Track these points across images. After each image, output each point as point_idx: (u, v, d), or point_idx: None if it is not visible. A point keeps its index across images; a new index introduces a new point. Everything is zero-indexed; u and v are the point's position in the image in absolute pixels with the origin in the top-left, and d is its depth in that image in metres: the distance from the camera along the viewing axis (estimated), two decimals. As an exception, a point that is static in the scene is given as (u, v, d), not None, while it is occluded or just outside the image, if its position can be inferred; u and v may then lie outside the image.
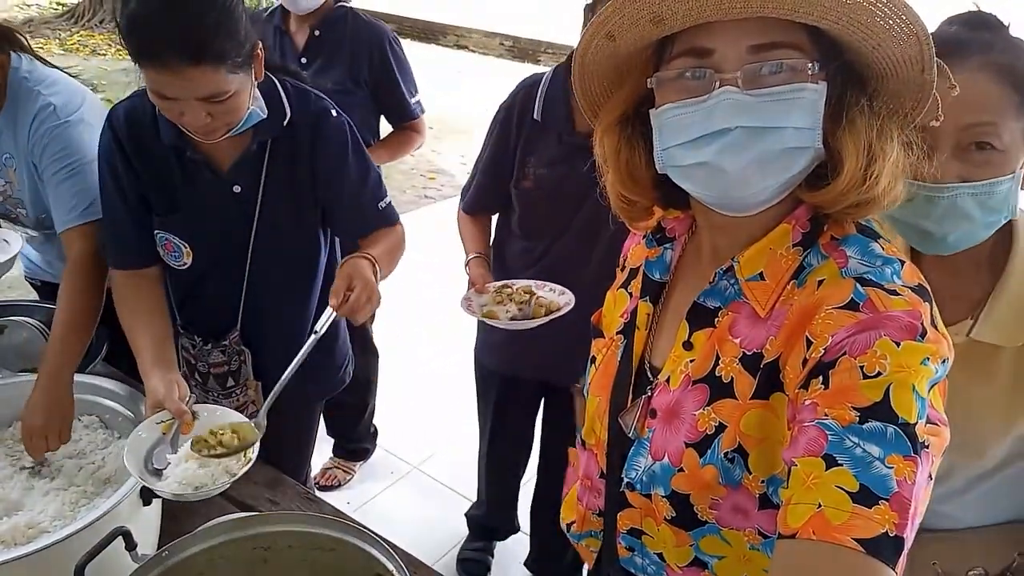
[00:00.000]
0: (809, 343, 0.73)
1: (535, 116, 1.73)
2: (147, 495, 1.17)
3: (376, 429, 2.81)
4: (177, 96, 1.22)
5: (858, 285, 0.73)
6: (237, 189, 1.43)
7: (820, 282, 0.76)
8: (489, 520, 2.37)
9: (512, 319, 1.68)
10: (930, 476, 0.67)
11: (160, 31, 1.17)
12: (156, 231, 1.47)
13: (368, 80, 2.35)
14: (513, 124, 1.78)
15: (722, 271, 0.83)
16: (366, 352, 2.59)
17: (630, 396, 0.91)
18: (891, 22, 0.68)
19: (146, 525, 1.21)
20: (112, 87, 6.61)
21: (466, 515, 2.41)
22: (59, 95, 1.51)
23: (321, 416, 1.94)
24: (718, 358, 0.82)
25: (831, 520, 0.62)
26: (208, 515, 1.20)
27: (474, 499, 2.40)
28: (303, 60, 2.34)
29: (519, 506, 2.35)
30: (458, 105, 6.76)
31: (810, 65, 0.71)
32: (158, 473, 1.18)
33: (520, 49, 9.63)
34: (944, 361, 0.71)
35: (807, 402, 0.70)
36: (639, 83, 0.80)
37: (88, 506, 1.26)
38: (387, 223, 1.53)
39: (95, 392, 1.43)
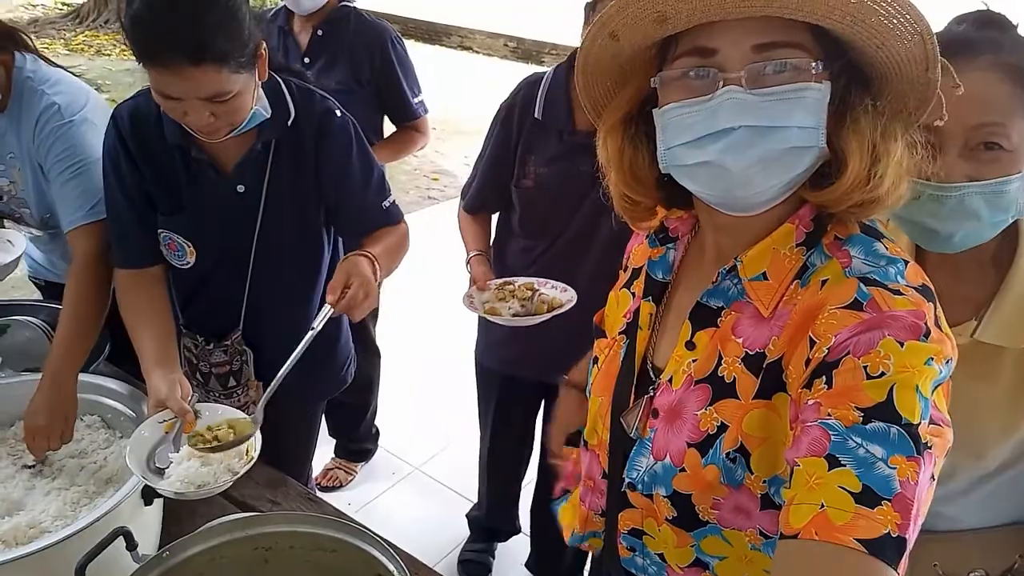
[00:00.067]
0: (812, 343, 0.72)
1: (536, 115, 1.74)
2: (148, 495, 1.17)
3: (378, 430, 2.81)
4: (180, 96, 1.22)
5: (862, 285, 0.72)
6: (241, 189, 1.44)
7: (823, 282, 0.76)
8: (490, 521, 2.37)
9: (515, 316, 1.68)
10: (933, 477, 0.67)
11: (163, 31, 1.17)
12: (160, 230, 1.47)
13: (370, 79, 2.35)
14: (514, 123, 1.78)
15: (725, 271, 0.83)
16: (368, 352, 2.59)
17: (632, 396, 0.91)
18: (895, 21, 0.68)
19: (147, 525, 1.21)
20: (117, 87, 6.63)
21: (467, 516, 2.41)
22: (63, 94, 1.52)
23: (323, 416, 1.94)
24: (721, 358, 0.82)
25: (833, 520, 0.62)
26: (209, 515, 1.20)
27: (475, 500, 2.40)
28: (306, 60, 2.35)
29: (520, 507, 2.35)
30: (462, 106, 6.76)
31: (814, 64, 0.71)
32: (160, 472, 1.18)
33: (524, 50, 9.64)
34: (948, 361, 0.71)
35: (810, 402, 0.70)
36: (642, 83, 0.80)
37: (89, 506, 1.26)
38: (390, 222, 1.53)
39: (97, 392, 1.43)
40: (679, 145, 0.76)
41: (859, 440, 0.65)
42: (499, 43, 9.91)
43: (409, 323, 3.51)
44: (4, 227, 1.71)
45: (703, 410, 0.81)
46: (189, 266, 1.49)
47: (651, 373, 0.91)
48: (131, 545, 1.00)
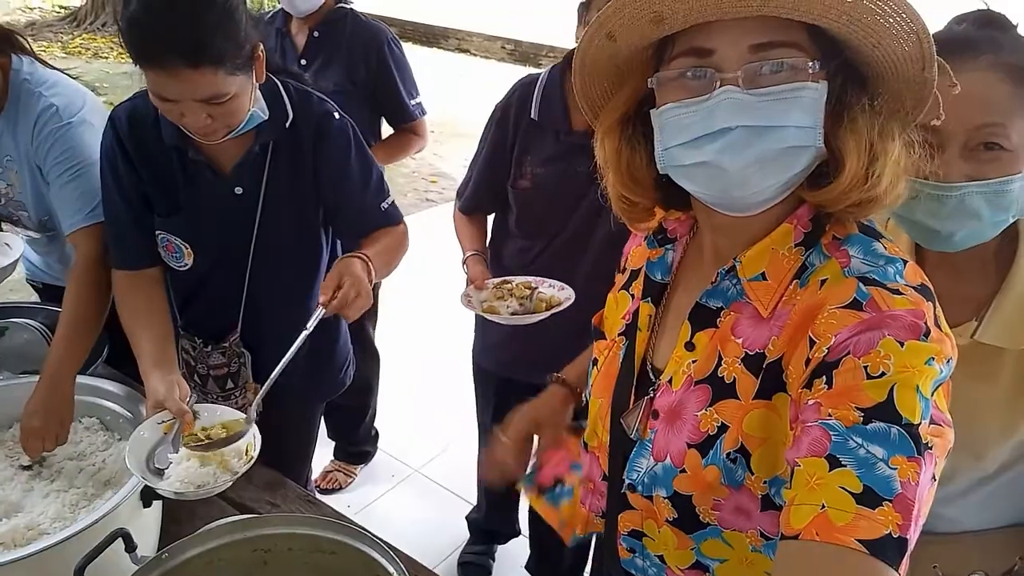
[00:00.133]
0: (812, 343, 0.72)
1: (532, 115, 1.74)
2: (147, 497, 1.17)
3: (377, 432, 2.80)
4: (177, 98, 1.22)
5: (861, 284, 0.72)
6: (239, 191, 1.43)
7: (823, 282, 0.76)
8: (489, 523, 2.36)
9: (513, 314, 1.67)
10: (934, 477, 0.67)
11: (160, 33, 1.17)
12: (157, 232, 1.47)
13: (366, 80, 2.35)
14: (510, 123, 1.78)
15: (724, 271, 0.83)
16: (367, 355, 2.59)
17: (632, 398, 0.91)
18: (891, 20, 0.68)
19: (146, 527, 1.20)
20: (114, 90, 6.63)
21: (467, 518, 2.40)
22: (61, 96, 1.52)
23: (322, 419, 1.94)
24: (720, 358, 0.82)
25: (834, 521, 0.62)
26: (208, 517, 1.20)
27: (475, 502, 2.40)
28: (303, 61, 2.35)
29: (520, 509, 2.35)
30: (459, 108, 6.76)
31: (810, 64, 0.71)
32: (160, 473, 1.18)
33: (522, 52, 9.65)
34: (948, 361, 0.71)
35: (810, 402, 0.70)
36: (640, 83, 0.80)
37: (88, 508, 1.26)
38: (389, 223, 1.53)
39: (96, 394, 1.43)
40: (676, 145, 0.76)
41: (860, 440, 0.65)
42: (497, 46, 9.92)
43: (408, 325, 3.51)
44: (2, 230, 1.71)
45: (703, 411, 0.81)
46: (187, 268, 1.49)
47: (651, 374, 0.90)
48: (130, 547, 1.00)
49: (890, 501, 0.62)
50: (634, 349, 0.93)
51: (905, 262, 0.76)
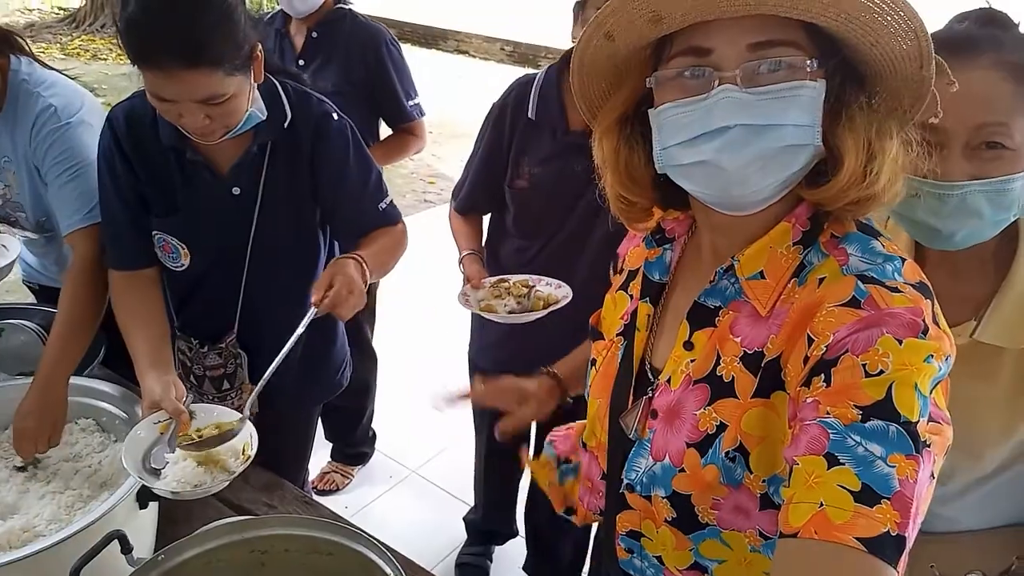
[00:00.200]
0: (811, 341, 0.72)
1: (529, 115, 1.74)
2: (143, 498, 1.17)
3: (374, 433, 2.80)
4: (175, 98, 1.22)
5: (859, 282, 0.72)
6: (236, 191, 1.43)
7: (821, 280, 0.76)
8: (487, 524, 2.36)
9: (511, 312, 1.67)
10: (932, 475, 0.67)
11: (157, 33, 1.17)
12: (154, 232, 1.47)
13: (363, 81, 2.35)
14: (507, 123, 1.78)
15: (722, 270, 0.83)
16: (364, 356, 2.59)
17: (631, 397, 0.91)
18: (889, 18, 0.68)
19: (142, 528, 1.20)
20: (113, 91, 6.63)
21: (464, 519, 2.40)
22: (59, 97, 1.51)
23: (319, 420, 1.93)
24: (719, 357, 0.82)
25: (833, 519, 0.62)
26: (205, 519, 1.19)
27: (472, 503, 2.40)
28: (300, 62, 2.35)
29: (517, 510, 2.34)
30: (458, 110, 6.76)
31: (809, 62, 0.71)
32: (156, 473, 1.18)
33: (520, 54, 9.66)
34: (947, 358, 0.70)
35: (808, 400, 0.70)
36: (638, 83, 0.80)
37: (84, 509, 1.25)
38: (388, 223, 1.53)
39: (92, 395, 1.43)
40: (675, 145, 0.76)
41: (858, 438, 0.65)
42: (496, 47, 9.92)
43: (406, 327, 3.50)
44: (-1, 231, 1.71)
45: (702, 410, 0.81)
46: (183, 268, 1.49)
47: (649, 374, 0.90)
48: (126, 548, 0.99)
49: (888, 499, 0.62)
50: (632, 349, 0.93)
51: (903, 260, 0.76)
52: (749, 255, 0.80)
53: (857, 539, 0.61)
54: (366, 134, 2.40)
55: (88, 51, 8.71)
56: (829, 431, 0.66)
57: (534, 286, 1.72)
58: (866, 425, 0.65)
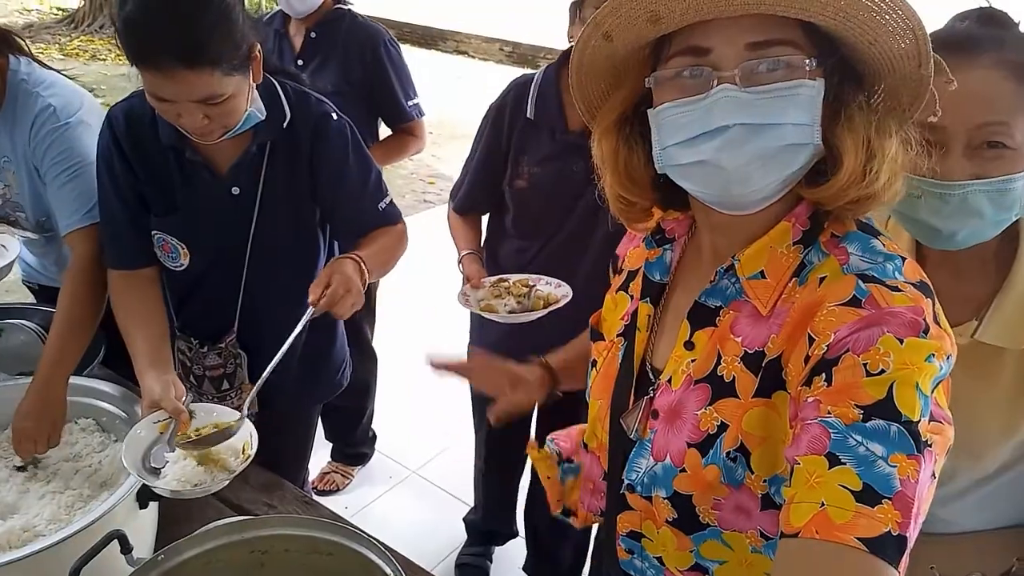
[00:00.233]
0: (811, 340, 0.72)
1: (528, 115, 1.73)
2: (143, 498, 1.17)
3: (375, 433, 2.80)
4: (173, 98, 1.22)
5: (860, 281, 0.72)
6: (235, 191, 1.43)
7: (821, 279, 0.75)
8: (487, 525, 2.36)
9: (511, 312, 1.67)
10: (933, 475, 0.67)
11: (156, 34, 1.17)
12: (154, 232, 1.47)
13: (362, 81, 2.35)
14: (505, 123, 1.78)
15: (723, 270, 0.83)
16: (364, 356, 2.59)
17: (632, 398, 0.91)
18: (887, 17, 0.68)
19: (142, 528, 1.20)
20: (112, 92, 6.62)
21: (464, 520, 2.40)
22: (58, 97, 1.51)
23: (319, 420, 1.93)
24: (720, 357, 0.82)
25: (834, 519, 0.62)
26: (204, 519, 1.19)
27: (472, 504, 2.40)
28: (299, 62, 2.35)
29: (517, 511, 2.34)
30: (457, 110, 6.76)
31: (807, 61, 0.71)
32: (156, 472, 1.18)
33: (520, 54, 9.66)
34: (948, 358, 0.70)
35: (810, 399, 0.69)
36: (637, 83, 0.80)
37: (84, 509, 1.25)
38: (388, 223, 1.53)
39: (92, 395, 1.43)
40: (674, 144, 0.76)
41: (859, 438, 0.65)
42: (495, 47, 9.92)
43: (406, 327, 3.50)
44: (-1, 231, 1.71)
45: (703, 410, 0.81)
46: (183, 268, 1.49)
47: (650, 374, 0.90)
48: (126, 548, 0.99)
49: (889, 499, 0.62)
50: (633, 349, 0.93)
51: (904, 259, 0.76)
52: (749, 255, 0.80)
53: (858, 539, 0.61)
54: (365, 134, 2.40)
55: (87, 51, 8.70)
56: (830, 431, 0.66)
57: (534, 285, 1.71)
58: (867, 425, 0.65)
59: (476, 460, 2.28)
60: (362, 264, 1.35)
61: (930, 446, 0.66)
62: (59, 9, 10.36)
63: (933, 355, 0.68)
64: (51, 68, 1.59)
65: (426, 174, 5.82)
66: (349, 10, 2.39)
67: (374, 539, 0.97)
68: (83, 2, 9.68)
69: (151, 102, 1.25)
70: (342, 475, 2.72)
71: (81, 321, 1.44)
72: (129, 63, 1.22)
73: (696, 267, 0.90)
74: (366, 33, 2.37)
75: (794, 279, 0.78)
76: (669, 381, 0.86)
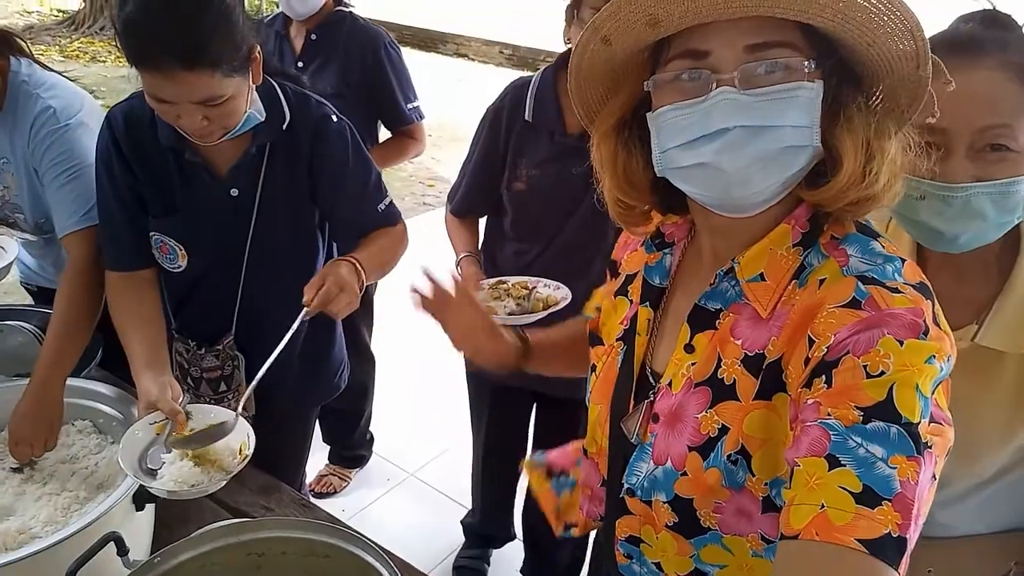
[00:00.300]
0: (811, 342, 0.72)
1: (526, 117, 1.73)
2: (140, 500, 1.16)
3: (372, 436, 2.80)
4: (173, 99, 1.22)
5: (860, 283, 0.72)
6: (235, 192, 1.43)
7: (821, 281, 0.75)
8: (484, 527, 2.36)
9: (510, 314, 1.67)
10: (933, 476, 0.67)
11: (155, 35, 1.17)
12: (152, 233, 1.46)
13: (362, 84, 2.35)
14: (503, 125, 1.77)
15: (723, 272, 0.82)
16: (362, 359, 2.58)
17: (632, 402, 0.91)
18: (885, 19, 0.68)
19: (138, 530, 1.19)
20: (112, 94, 6.62)
21: (462, 522, 2.39)
22: (58, 98, 1.51)
23: (317, 423, 1.93)
24: (720, 360, 0.81)
25: (834, 521, 0.62)
26: (201, 521, 1.19)
27: (470, 506, 2.39)
28: (299, 64, 2.35)
29: (515, 513, 2.34)
30: (457, 113, 6.76)
31: (806, 63, 0.71)
32: (153, 473, 1.18)
33: (519, 57, 9.67)
34: (948, 359, 0.70)
35: (810, 401, 0.69)
36: (635, 87, 0.80)
37: (80, 511, 1.25)
38: (388, 224, 1.53)
39: (89, 396, 1.42)
40: (674, 147, 0.76)
41: (859, 440, 0.65)
42: (495, 50, 9.94)
43: (404, 330, 3.48)
44: (-3, 233, 1.70)
45: (703, 413, 0.81)
46: (181, 270, 1.49)
47: (650, 378, 0.90)
48: (122, 550, 0.99)
49: (889, 500, 0.62)
50: (633, 353, 0.92)
51: (903, 260, 0.76)
52: (749, 257, 0.80)
53: (858, 540, 0.61)
54: (365, 137, 2.40)
55: (87, 53, 8.71)
56: (830, 432, 0.66)
57: (533, 288, 1.71)
58: (867, 426, 0.65)
59: (474, 463, 2.27)
60: (358, 266, 1.36)
61: (930, 448, 0.66)
62: (59, 11, 10.38)
63: (933, 357, 0.68)
64: (52, 70, 1.59)
65: (425, 177, 5.82)
66: (350, 12, 2.40)
67: (371, 542, 0.97)
68: (83, 4, 9.69)
69: (151, 103, 1.25)
70: (339, 477, 2.71)
71: (78, 323, 1.44)
72: (129, 64, 1.22)
73: (696, 270, 0.90)
74: (367, 35, 2.37)
75: (794, 281, 0.78)
76: (669, 385, 0.86)
